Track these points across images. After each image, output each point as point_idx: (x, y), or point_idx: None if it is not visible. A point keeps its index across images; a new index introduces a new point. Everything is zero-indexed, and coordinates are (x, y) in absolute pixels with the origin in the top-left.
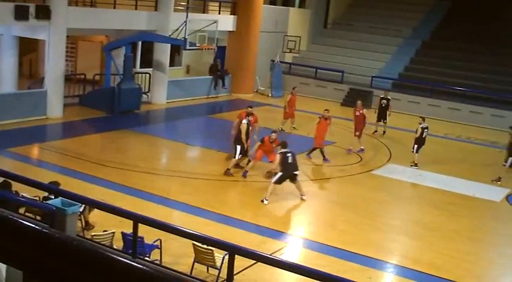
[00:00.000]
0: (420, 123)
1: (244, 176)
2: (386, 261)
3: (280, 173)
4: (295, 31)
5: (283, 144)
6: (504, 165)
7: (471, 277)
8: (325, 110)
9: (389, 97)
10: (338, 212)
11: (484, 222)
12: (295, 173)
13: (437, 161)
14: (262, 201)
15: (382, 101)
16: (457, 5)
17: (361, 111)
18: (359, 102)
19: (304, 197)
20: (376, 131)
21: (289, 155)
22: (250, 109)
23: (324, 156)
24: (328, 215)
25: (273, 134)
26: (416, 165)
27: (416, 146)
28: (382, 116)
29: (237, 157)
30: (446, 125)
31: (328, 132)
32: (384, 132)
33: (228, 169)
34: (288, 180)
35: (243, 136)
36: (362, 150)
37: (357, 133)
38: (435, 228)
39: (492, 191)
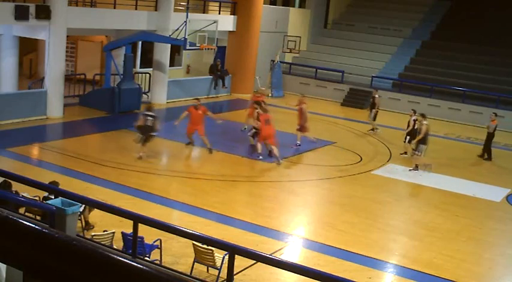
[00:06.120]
0: (411, 116)
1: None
2: (386, 261)
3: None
4: (295, 31)
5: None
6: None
7: (471, 277)
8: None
9: (376, 95)
10: (338, 212)
11: (484, 222)
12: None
13: (437, 161)
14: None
15: (370, 99)
16: (457, 5)
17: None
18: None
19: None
20: (372, 130)
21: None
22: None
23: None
24: (328, 215)
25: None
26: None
27: (408, 137)
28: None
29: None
30: (446, 125)
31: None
32: (372, 129)
33: None
34: None
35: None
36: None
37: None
38: (435, 228)
39: (492, 191)
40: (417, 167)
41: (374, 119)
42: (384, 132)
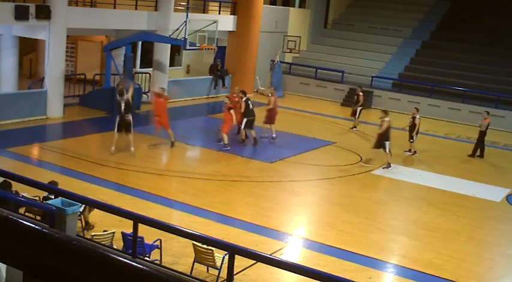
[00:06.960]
0: (414, 114)
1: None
2: (386, 261)
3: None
4: (295, 31)
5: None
6: None
7: (471, 277)
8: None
9: (360, 93)
10: (338, 212)
11: (484, 222)
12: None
13: (438, 161)
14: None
15: (355, 97)
16: (457, 5)
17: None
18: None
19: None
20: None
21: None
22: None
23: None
24: (328, 215)
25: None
26: (412, 151)
27: (415, 135)
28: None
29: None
30: (446, 125)
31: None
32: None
33: None
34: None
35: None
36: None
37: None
38: (435, 228)
39: (492, 191)
40: (389, 164)
41: (357, 116)
42: None
